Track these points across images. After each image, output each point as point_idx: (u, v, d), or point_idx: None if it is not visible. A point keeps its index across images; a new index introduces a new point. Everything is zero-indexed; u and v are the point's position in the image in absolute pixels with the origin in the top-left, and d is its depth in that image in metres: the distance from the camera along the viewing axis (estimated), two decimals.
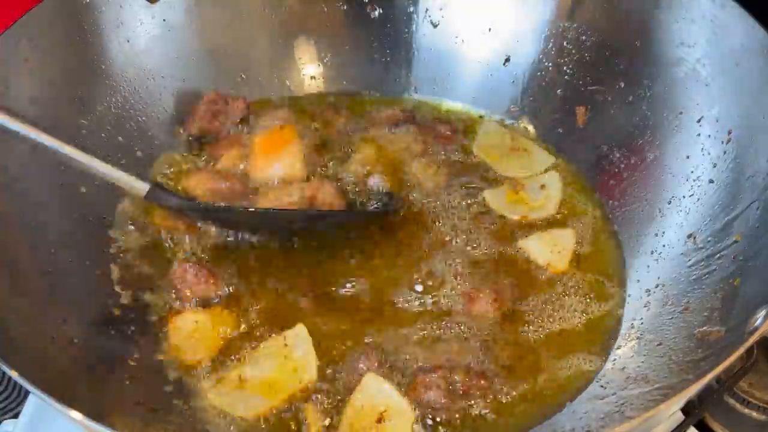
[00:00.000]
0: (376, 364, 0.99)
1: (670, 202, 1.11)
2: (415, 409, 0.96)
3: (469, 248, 1.14)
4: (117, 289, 1.08)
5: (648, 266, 1.09)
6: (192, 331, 1.04)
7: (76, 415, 0.73)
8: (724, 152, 1.04)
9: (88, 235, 1.10)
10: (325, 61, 1.38)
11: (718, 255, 0.98)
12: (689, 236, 1.05)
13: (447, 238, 1.15)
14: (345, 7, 1.34)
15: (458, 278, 1.10)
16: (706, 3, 1.05)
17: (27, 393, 1.29)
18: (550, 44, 1.28)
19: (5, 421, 1.21)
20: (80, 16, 1.13)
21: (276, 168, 1.18)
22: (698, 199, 1.06)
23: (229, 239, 1.15)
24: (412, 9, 1.35)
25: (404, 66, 1.38)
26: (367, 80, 1.38)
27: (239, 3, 1.30)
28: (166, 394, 0.99)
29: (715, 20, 1.05)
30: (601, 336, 1.05)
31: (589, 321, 1.07)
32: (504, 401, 0.98)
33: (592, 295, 1.09)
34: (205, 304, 1.07)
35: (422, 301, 1.08)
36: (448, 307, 1.07)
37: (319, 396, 0.98)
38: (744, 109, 1.02)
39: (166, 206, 1.12)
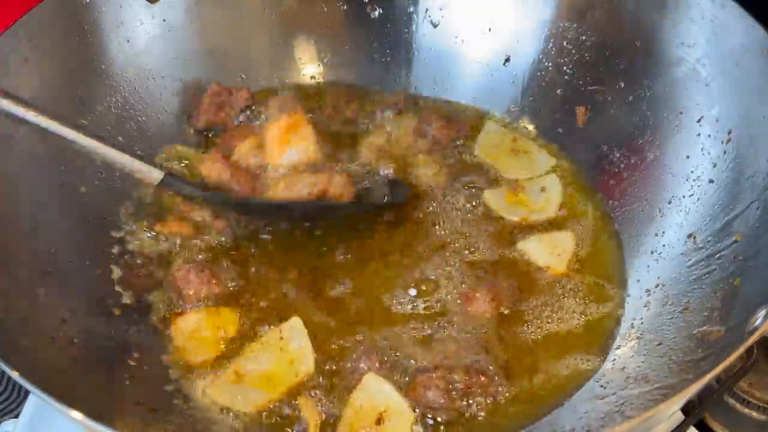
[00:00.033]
0: (377, 365, 1.00)
1: (670, 202, 1.11)
2: (414, 409, 0.96)
3: (467, 249, 1.14)
4: (118, 289, 1.08)
5: (648, 266, 1.09)
6: (194, 331, 1.04)
7: (76, 415, 0.73)
8: (724, 152, 1.04)
9: (88, 236, 1.10)
10: (325, 61, 1.38)
11: (718, 255, 0.98)
12: (689, 236, 1.05)
13: (446, 239, 1.16)
14: (345, 7, 1.34)
15: (456, 278, 1.10)
16: (706, 3, 1.05)
17: (27, 393, 1.29)
18: (550, 44, 1.28)
19: (5, 421, 1.21)
20: (80, 16, 1.13)
21: (290, 154, 1.17)
22: (698, 199, 1.06)
23: (229, 241, 1.15)
24: (412, 9, 1.35)
25: (404, 66, 1.38)
26: (367, 80, 1.38)
27: (239, 3, 1.30)
28: (166, 394, 0.99)
29: (715, 20, 1.05)
30: (599, 337, 1.05)
31: (588, 322, 1.06)
32: (502, 401, 0.98)
33: (591, 297, 1.09)
34: (206, 304, 1.07)
35: (420, 300, 1.08)
36: (446, 307, 1.07)
37: (318, 392, 0.99)
38: (744, 109, 1.02)
39: (179, 194, 1.14)
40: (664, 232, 1.10)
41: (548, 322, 1.06)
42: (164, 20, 1.22)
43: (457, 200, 1.20)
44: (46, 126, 1.00)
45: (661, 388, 0.88)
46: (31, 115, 0.98)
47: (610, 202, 1.20)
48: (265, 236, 1.16)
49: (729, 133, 1.03)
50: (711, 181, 1.05)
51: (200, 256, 1.12)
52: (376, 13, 1.35)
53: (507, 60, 1.32)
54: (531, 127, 1.31)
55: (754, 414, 1.12)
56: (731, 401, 1.12)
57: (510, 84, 1.32)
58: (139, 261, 1.12)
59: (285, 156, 1.18)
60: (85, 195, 1.11)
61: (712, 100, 1.07)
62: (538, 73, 1.30)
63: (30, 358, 0.86)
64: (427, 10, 1.35)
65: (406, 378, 0.99)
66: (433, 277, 1.11)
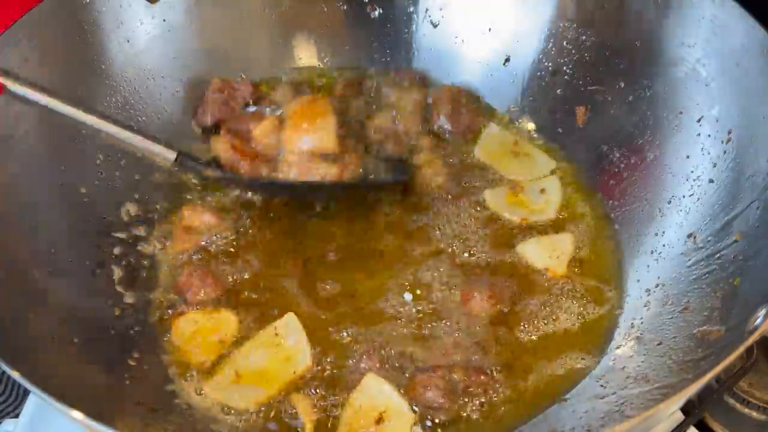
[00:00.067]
0: (377, 364, 1.00)
1: (670, 202, 1.11)
2: (414, 410, 0.97)
3: (467, 251, 1.14)
4: (118, 289, 1.08)
5: (648, 266, 1.09)
6: (194, 332, 1.05)
7: (76, 414, 0.73)
8: (724, 152, 1.04)
9: (89, 236, 1.10)
10: (325, 61, 1.38)
11: (718, 255, 0.98)
12: (689, 236, 1.05)
13: (446, 239, 1.16)
14: (345, 7, 1.35)
15: (455, 279, 1.10)
16: (706, 3, 1.05)
17: (27, 393, 1.29)
18: (550, 44, 1.28)
19: (5, 421, 1.21)
20: (80, 16, 1.13)
21: (308, 140, 1.15)
22: (698, 199, 1.06)
23: (230, 241, 1.15)
24: (412, 9, 1.35)
25: (404, 66, 1.38)
26: None
27: (239, 3, 1.30)
28: (166, 394, 0.99)
29: (715, 20, 1.05)
30: (597, 337, 1.05)
31: (586, 323, 1.07)
32: (501, 400, 0.98)
33: (589, 299, 1.09)
34: (207, 305, 1.07)
35: (419, 299, 1.08)
36: (444, 306, 1.07)
37: (318, 390, 0.99)
38: (744, 109, 1.02)
39: (193, 173, 1.15)
40: (664, 232, 1.10)
41: (544, 323, 1.06)
42: (164, 20, 1.22)
43: (457, 200, 1.20)
44: (59, 108, 1.00)
45: (661, 388, 0.88)
46: (44, 99, 0.99)
47: (610, 202, 1.20)
48: (265, 237, 1.17)
49: (729, 133, 1.03)
50: (711, 181, 1.05)
51: (200, 256, 1.12)
52: (376, 13, 1.35)
53: (507, 60, 1.32)
54: (531, 127, 1.31)
55: (754, 414, 1.12)
56: (731, 401, 1.12)
57: (510, 84, 1.32)
58: (140, 262, 1.12)
59: (303, 141, 1.15)
60: (85, 195, 1.11)
61: (712, 100, 1.07)
62: (538, 73, 1.30)
63: (30, 358, 0.86)
64: (427, 10, 1.35)
65: (406, 375, 0.99)
66: (431, 277, 1.11)
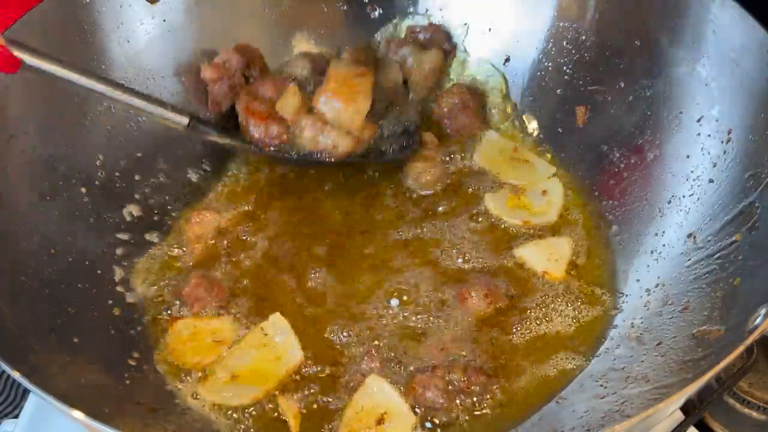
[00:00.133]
0: (378, 365, 1.00)
1: (670, 202, 1.11)
2: (415, 411, 0.97)
3: (465, 251, 1.14)
4: (119, 289, 1.09)
5: (648, 266, 1.09)
6: (193, 335, 1.05)
7: (76, 414, 0.73)
8: (724, 152, 1.04)
9: (89, 236, 1.10)
10: None
11: (718, 255, 0.98)
12: (689, 236, 1.05)
13: (445, 240, 1.16)
14: (345, 7, 1.34)
15: (452, 279, 1.11)
16: (707, 3, 1.05)
17: (27, 393, 1.29)
18: (550, 44, 1.28)
19: (5, 421, 1.21)
20: (80, 16, 1.13)
21: (335, 107, 1.13)
22: (698, 199, 1.06)
23: (230, 243, 1.16)
24: (412, 9, 1.35)
25: None
26: None
27: (239, 3, 1.30)
28: (166, 394, 0.99)
29: (715, 20, 1.05)
30: (590, 340, 1.05)
31: (581, 324, 1.07)
32: (500, 400, 0.99)
33: (584, 300, 1.09)
34: (207, 311, 1.08)
35: (418, 300, 1.09)
36: (442, 307, 1.08)
37: (317, 390, 1.00)
38: (744, 109, 1.02)
39: (206, 137, 1.15)
40: (664, 232, 1.10)
41: (540, 324, 1.07)
42: (164, 20, 1.22)
43: (456, 202, 1.21)
44: (73, 79, 1.00)
45: (661, 388, 0.88)
46: (59, 70, 0.99)
47: (610, 202, 1.20)
48: (267, 236, 1.17)
49: (729, 133, 1.03)
50: (711, 181, 1.05)
51: (204, 262, 1.13)
52: (376, 13, 1.35)
53: (507, 60, 1.32)
54: (532, 126, 1.31)
55: (754, 414, 1.12)
56: (731, 401, 1.12)
57: (510, 84, 1.32)
58: (142, 263, 1.13)
59: (330, 105, 1.13)
60: (85, 195, 1.11)
61: (712, 100, 1.07)
62: (538, 73, 1.30)
63: (30, 358, 0.86)
64: (427, 10, 1.35)
65: (405, 376, 1.00)
66: (429, 278, 1.11)
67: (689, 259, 1.03)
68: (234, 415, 0.97)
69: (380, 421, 0.95)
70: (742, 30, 1.01)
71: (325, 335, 1.05)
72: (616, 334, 1.05)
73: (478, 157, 1.27)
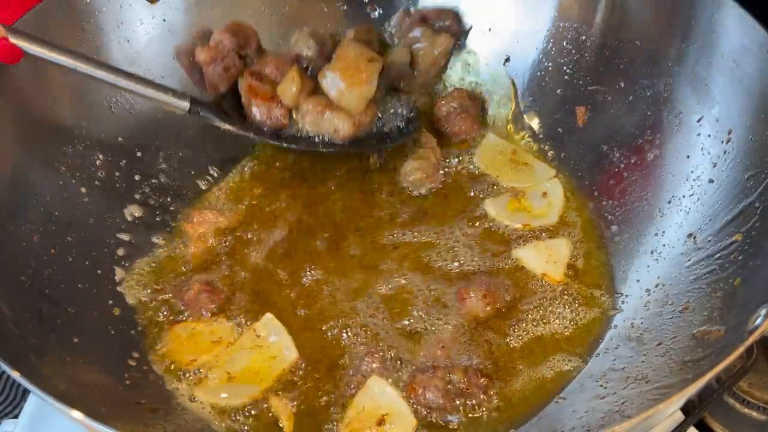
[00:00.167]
0: (379, 365, 1.00)
1: (670, 202, 1.11)
2: (416, 414, 0.97)
3: (465, 254, 1.14)
4: (119, 289, 1.09)
5: (648, 266, 1.09)
6: (190, 336, 1.05)
7: (76, 414, 0.73)
8: (724, 152, 1.04)
9: (89, 236, 1.10)
10: None
11: (718, 255, 0.98)
12: (689, 236, 1.05)
13: (444, 243, 1.16)
14: (345, 7, 1.34)
15: (452, 280, 1.11)
16: (706, 3, 1.05)
17: (27, 393, 1.29)
18: (550, 44, 1.28)
19: (5, 421, 1.21)
20: (80, 16, 1.13)
21: (338, 86, 1.12)
22: (698, 199, 1.06)
23: (230, 243, 1.16)
24: (412, 9, 1.35)
25: None
26: None
27: (239, 3, 1.30)
28: (166, 394, 0.99)
29: (715, 20, 1.05)
30: (591, 340, 1.05)
31: (580, 327, 1.07)
32: (499, 401, 0.99)
33: (584, 303, 1.09)
34: (206, 314, 1.08)
35: (415, 301, 1.09)
36: (440, 307, 1.08)
37: (312, 386, 1.00)
38: (744, 109, 1.02)
39: (208, 121, 1.14)
40: (664, 232, 1.10)
41: (535, 326, 1.06)
42: (164, 20, 1.22)
43: (456, 207, 1.21)
44: (73, 65, 1.00)
45: (661, 388, 0.88)
46: (59, 57, 0.99)
47: (610, 202, 1.20)
48: (267, 236, 1.17)
49: (729, 133, 1.03)
50: (711, 181, 1.05)
51: (206, 265, 1.13)
52: (376, 13, 1.35)
53: (507, 60, 1.32)
54: (532, 126, 1.31)
55: (754, 414, 1.12)
56: (731, 401, 1.12)
57: (510, 84, 1.32)
58: (143, 264, 1.13)
59: (334, 83, 1.13)
60: (85, 195, 1.11)
61: (712, 100, 1.07)
62: (538, 73, 1.30)
63: (30, 358, 0.86)
64: None
65: (405, 376, 1.00)
66: (428, 280, 1.11)
67: (689, 260, 1.03)
68: (234, 415, 0.97)
69: (381, 422, 0.95)
70: (742, 30, 1.01)
71: (323, 335, 1.05)
72: (616, 334, 1.05)
73: (478, 160, 1.27)
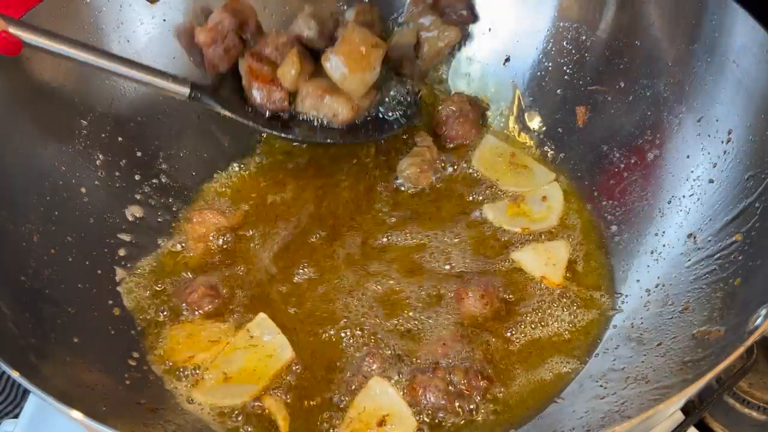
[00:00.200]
0: (379, 365, 1.00)
1: (670, 202, 1.11)
2: (417, 416, 0.97)
3: (463, 256, 1.14)
4: (119, 289, 1.09)
5: (648, 266, 1.09)
6: (190, 337, 1.05)
7: (76, 414, 0.73)
8: (724, 152, 1.04)
9: (89, 236, 1.10)
10: None
11: (718, 255, 0.98)
12: (689, 236, 1.05)
13: (443, 245, 1.16)
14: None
15: (451, 281, 1.10)
16: (706, 3, 1.05)
17: (27, 393, 1.29)
18: (550, 44, 1.27)
19: (5, 421, 1.21)
20: (80, 16, 1.13)
21: (340, 69, 1.12)
22: (698, 199, 1.06)
23: (231, 243, 1.16)
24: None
25: None
26: None
27: None
28: (166, 394, 0.99)
29: (715, 20, 1.05)
30: (590, 342, 1.05)
31: (579, 330, 1.07)
32: (499, 403, 0.99)
33: (582, 305, 1.09)
34: (206, 315, 1.08)
35: (414, 301, 1.09)
36: (438, 308, 1.08)
37: (310, 386, 1.00)
38: (744, 109, 1.02)
39: (208, 107, 1.14)
40: (664, 232, 1.10)
41: (533, 328, 1.06)
42: (164, 20, 1.22)
43: (455, 210, 1.21)
44: (72, 54, 1.00)
45: (661, 388, 0.88)
46: (57, 46, 0.99)
47: (610, 202, 1.20)
48: (267, 236, 1.18)
49: (729, 133, 1.03)
50: (711, 181, 1.05)
51: (209, 267, 1.13)
52: None
53: (507, 60, 1.32)
54: (532, 126, 1.31)
55: (754, 414, 1.12)
56: (731, 401, 1.12)
57: (510, 84, 1.32)
58: (143, 264, 1.13)
59: (337, 66, 1.12)
60: (85, 195, 1.11)
61: (712, 100, 1.07)
62: (538, 73, 1.30)
63: (30, 359, 0.86)
64: None
65: (406, 376, 1.00)
66: (427, 281, 1.11)
67: (689, 260, 1.03)
68: (233, 415, 0.97)
69: (382, 423, 0.95)
70: (742, 30, 1.01)
71: (321, 335, 1.06)
72: (616, 334, 1.05)
73: (476, 163, 1.27)
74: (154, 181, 1.20)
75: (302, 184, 1.25)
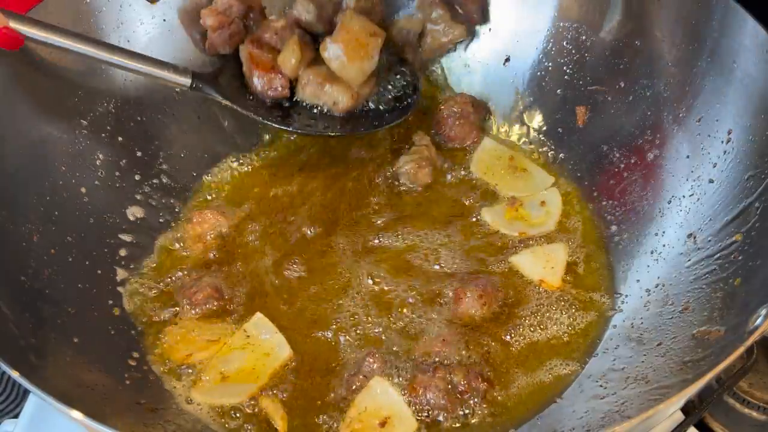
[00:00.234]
0: (380, 365, 1.00)
1: (670, 202, 1.11)
2: (418, 417, 0.97)
3: (462, 258, 1.14)
4: (119, 289, 1.09)
5: (648, 266, 1.09)
6: (190, 337, 1.05)
7: (76, 414, 0.73)
8: (724, 152, 1.04)
9: (89, 236, 1.10)
10: None
11: (718, 255, 0.98)
12: (689, 236, 1.05)
13: (441, 247, 1.16)
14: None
15: (449, 281, 1.10)
16: (706, 3, 1.05)
17: (27, 393, 1.29)
18: (550, 44, 1.27)
19: (5, 421, 1.21)
20: (80, 16, 1.13)
21: (339, 57, 1.12)
22: (698, 199, 1.06)
23: (232, 243, 1.16)
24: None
25: None
26: None
27: None
28: (166, 394, 0.99)
29: (715, 20, 1.05)
30: (587, 346, 1.05)
31: (578, 332, 1.07)
32: (495, 405, 0.99)
33: (581, 308, 1.09)
34: (206, 314, 1.08)
35: (413, 301, 1.09)
36: (437, 308, 1.08)
37: (309, 386, 1.00)
38: (744, 109, 1.02)
39: (209, 97, 1.15)
40: (664, 232, 1.10)
41: (532, 331, 1.06)
42: (164, 20, 1.22)
43: (453, 213, 1.21)
44: (72, 47, 1.01)
45: (661, 388, 0.88)
46: (58, 39, 0.99)
47: (610, 202, 1.19)
48: (267, 236, 1.18)
49: (729, 133, 1.03)
50: (711, 181, 1.05)
51: (210, 267, 1.13)
52: None
53: (507, 60, 1.32)
54: (532, 126, 1.31)
55: (754, 414, 1.12)
56: (731, 401, 1.12)
57: (510, 84, 1.32)
58: (143, 264, 1.13)
59: (335, 53, 1.13)
60: (85, 195, 1.11)
61: (712, 100, 1.07)
62: (538, 73, 1.30)
63: (30, 359, 0.86)
64: None
65: (406, 376, 1.00)
66: (426, 282, 1.11)
67: (689, 260, 1.03)
68: (233, 415, 0.97)
69: (383, 424, 0.95)
70: (743, 30, 1.01)
71: (319, 334, 1.06)
72: (616, 334, 1.05)
73: (475, 167, 1.26)
74: (154, 181, 1.20)
75: (303, 185, 1.25)
